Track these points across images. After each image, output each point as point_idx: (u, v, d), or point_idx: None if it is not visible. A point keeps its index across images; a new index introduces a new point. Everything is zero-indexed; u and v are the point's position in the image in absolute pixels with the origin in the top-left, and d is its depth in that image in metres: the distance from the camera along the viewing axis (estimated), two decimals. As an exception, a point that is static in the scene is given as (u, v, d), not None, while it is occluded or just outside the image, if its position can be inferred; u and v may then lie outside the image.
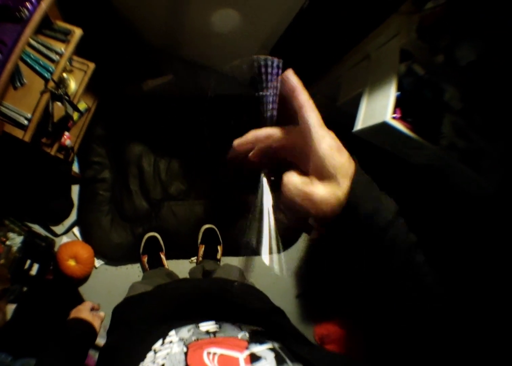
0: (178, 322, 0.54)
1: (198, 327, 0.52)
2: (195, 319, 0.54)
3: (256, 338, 0.47)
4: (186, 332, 0.50)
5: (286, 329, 0.63)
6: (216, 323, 0.53)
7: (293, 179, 0.42)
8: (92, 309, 0.93)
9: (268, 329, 0.53)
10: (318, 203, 0.41)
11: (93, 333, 0.85)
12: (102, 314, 0.93)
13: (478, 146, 1.37)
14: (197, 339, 0.47)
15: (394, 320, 0.46)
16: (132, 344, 0.56)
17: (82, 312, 0.88)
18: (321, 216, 0.41)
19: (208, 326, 0.52)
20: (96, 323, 0.87)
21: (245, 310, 0.65)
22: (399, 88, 1.30)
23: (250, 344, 0.45)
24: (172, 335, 0.50)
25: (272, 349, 0.43)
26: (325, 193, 0.40)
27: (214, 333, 0.49)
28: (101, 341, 1.61)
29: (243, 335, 0.48)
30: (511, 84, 1.35)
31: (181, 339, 0.48)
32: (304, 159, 0.42)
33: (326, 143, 0.39)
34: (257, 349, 0.43)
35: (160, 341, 0.49)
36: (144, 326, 0.62)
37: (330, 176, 0.40)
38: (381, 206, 0.41)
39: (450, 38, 1.35)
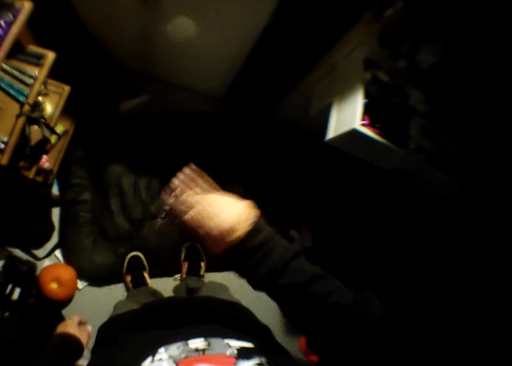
0: (167, 339, 0.54)
1: (187, 344, 0.52)
2: (184, 335, 0.55)
3: (243, 354, 0.48)
4: (175, 349, 0.51)
5: (272, 344, 0.63)
6: (205, 340, 0.53)
7: None
8: (80, 323, 0.90)
9: (256, 344, 0.54)
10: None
11: (80, 348, 0.82)
12: (89, 328, 0.90)
13: (444, 147, 1.38)
14: (187, 357, 0.49)
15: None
16: (120, 361, 0.57)
17: (69, 326, 0.85)
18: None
19: (197, 343, 0.53)
20: (83, 338, 0.84)
21: (233, 326, 0.64)
22: (366, 96, 1.33)
23: (238, 360, 0.46)
24: (162, 353, 0.51)
25: (259, 364, 0.45)
26: None
27: (203, 350, 0.50)
28: (83, 362, 1.58)
29: (231, 351, 0.49)
30: (473, 83, 1.38)
31: (170, 357, 0.49)
32: None
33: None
34: (245, 365, 0.45)
35: (149, 358, 0.50)
36: (132, 343, 0.62)
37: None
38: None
39: (410, 42, 1.39)
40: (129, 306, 1.26)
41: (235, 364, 0.45)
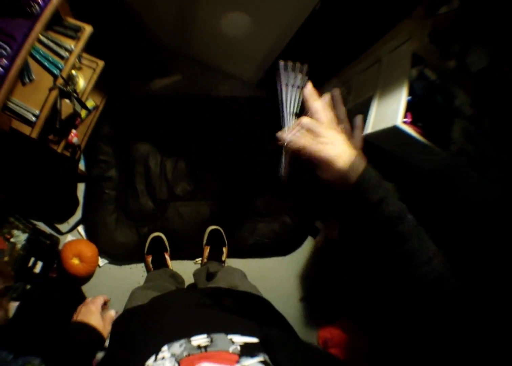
0: (171, 336, 0.54)
1: (190, 341, 0.52)
2: (188, 332, 0.54)
3: (247, 351, 0.47)
4: (178, 347, 0.50)
5: (281, 337, 0.60)
6: (208, 337, 0.52)
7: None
8: (104, 304, 0.86)
9: (262, 339, 0.53)
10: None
11: (101, 341, 0.78)
12: (112, 313, 0.85)
13: (486, 152, 1.36)
14: (189, 354, 0.48)
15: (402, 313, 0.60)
16: (126, 359, 0.56)
17: (93, 316, 0.80)
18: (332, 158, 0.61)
19: (199, 340, 0.52)
20: (105, 330, 0.79)
21: (241, 320, 0.63)
22: (410, 93, 1.30)
23: (241, 358, 0.45)
24: (165, 351, 0.50)
25: (263, 362, 0.44)
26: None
27: (206, 347, 0.50)
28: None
29: (234, 348, 0.48)
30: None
31: (173, 355, 0.48)
32: None
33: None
34: (248, 362, 0.44)
35: (153, 357, 0.49)
36: (139, 340, 0.62)
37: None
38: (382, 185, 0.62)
39: (462, 43, 1.34)
40: (145, 293, 1.25)
41: (237, 361, 0.45)
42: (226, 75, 1.85)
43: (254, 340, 0.51)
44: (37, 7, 1.17)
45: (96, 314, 0.81)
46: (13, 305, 1.54)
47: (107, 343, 0.82)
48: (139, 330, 0.67)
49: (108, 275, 1.76)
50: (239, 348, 0.48)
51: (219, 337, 0.52)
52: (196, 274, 1.65)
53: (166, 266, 1.73)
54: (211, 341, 0.51)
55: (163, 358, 0.48)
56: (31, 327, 1.52)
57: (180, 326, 0.59)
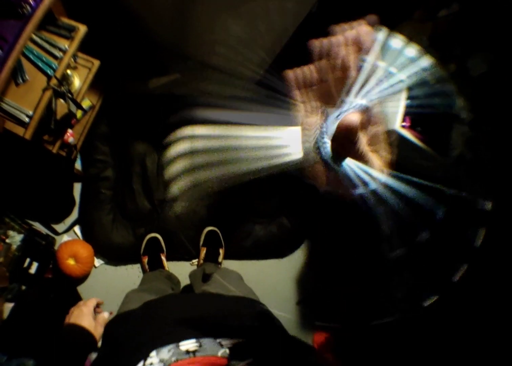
0: (160, 342, 0.54)
1: (179, 346, 0.52)
2: (176, 337, 0.54)
3: (236, 354, 0.48)
4: (166, 352, 0.51)
5: (270, 340, 0.60)
6: (196, 341, 0.53)
7: None
8: (97, 306, 0.86)
9: (251, 341, 0.53)
10: None
11: (93, 342, 0.78)
12: (105, 315, 0.85)
13: (483, 158, 1.36)
14: (177, 360, 0.48)
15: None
16: (115, 364, 0.57)
17: (84, 318, 0.79)
18: None
19: (188, 345, 0.52)
20: (97, 332, 0.79)
21: (231, 324, 0.63)
22: (409, 96, 1.29)
23: (229, 361, 0.46)
24: (153, 357, 0.50)
25: (252, 364, 0.45)
26: None
27: (194, 352, 0.50)
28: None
29: (223, 352, 0.49)
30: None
31: (161, 361, 0.49)
32: None
33: None
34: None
35: (141, 363, 0.49)
36: (129, 346, 0.61)
37: None
38: None
39: (463, 47, 1.33)
40: (139, 296, 1.25)
41: (226, 365, 0.45)
42: (224, 74, 1.83)
43: (243, 343, 0.52)
44: (28, 8, 1.16)
45: (88, 315, 0.81)
46: (8, 306, 1.53)
47: (99, 345, 0.82)
48: (130, 335, 0.67)
49: (104, 275, 1.75)
50: (228, 351, 0.48)
51: (207, 342, 0.52)
52: (192, 276, 1.64)
53: (162, 267, 1.72)
54: (200, 345, 0.51)
55: (151, 364, 0.48)
56: (26, 328, 1.52)
57: (169, 331, 0.59)
